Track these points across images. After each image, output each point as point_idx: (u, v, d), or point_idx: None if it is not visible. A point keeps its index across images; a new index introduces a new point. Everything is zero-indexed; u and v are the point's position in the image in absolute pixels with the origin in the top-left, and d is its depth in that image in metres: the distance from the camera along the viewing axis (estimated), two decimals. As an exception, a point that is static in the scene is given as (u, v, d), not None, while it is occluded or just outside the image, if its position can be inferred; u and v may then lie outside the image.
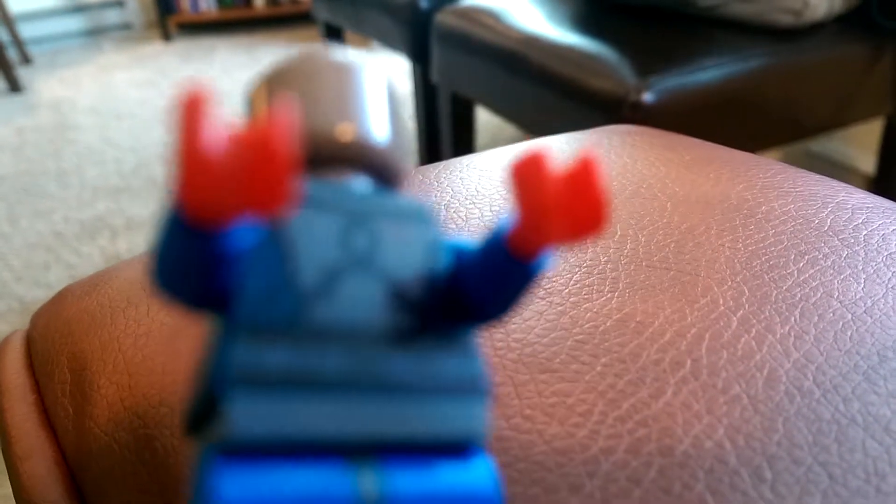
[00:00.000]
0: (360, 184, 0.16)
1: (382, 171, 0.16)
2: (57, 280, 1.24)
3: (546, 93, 0.83)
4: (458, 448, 0.15)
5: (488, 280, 0.15)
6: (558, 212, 0.13)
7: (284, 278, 0.14)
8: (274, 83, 0.16)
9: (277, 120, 0.11)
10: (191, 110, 0.11)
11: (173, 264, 0.13)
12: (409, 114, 1.60)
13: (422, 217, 0.16)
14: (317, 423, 0.14)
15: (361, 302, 0.14)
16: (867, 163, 1.24)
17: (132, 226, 1.40)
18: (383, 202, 0.15)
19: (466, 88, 0.99)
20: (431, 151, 1.28)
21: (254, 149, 0.11)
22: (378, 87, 0.16)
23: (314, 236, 0.14)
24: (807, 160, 1.34)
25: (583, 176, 0.13)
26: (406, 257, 0.15)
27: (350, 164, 0.15)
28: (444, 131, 1.14)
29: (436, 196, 0.36)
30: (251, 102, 0.16)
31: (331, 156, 0.15)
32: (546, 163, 0.13)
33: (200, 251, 0.13)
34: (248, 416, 0.13)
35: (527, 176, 0.13)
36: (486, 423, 0.15)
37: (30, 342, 0.33)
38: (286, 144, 0.11)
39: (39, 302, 1.19)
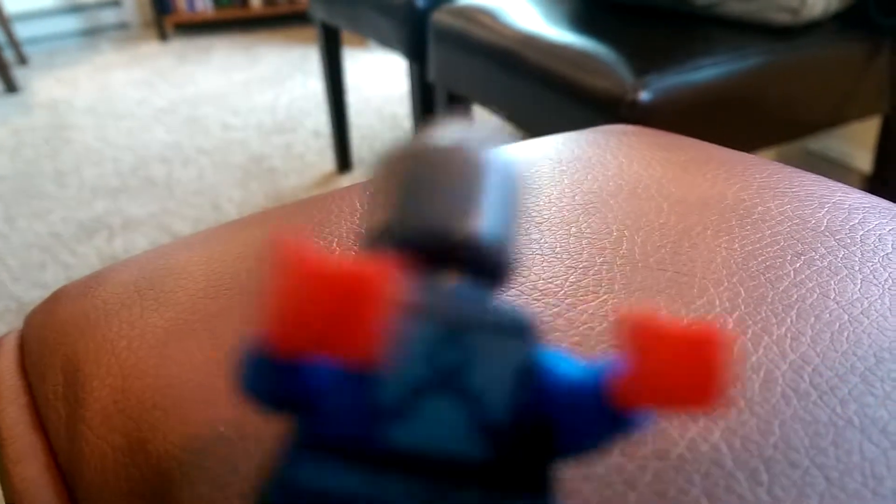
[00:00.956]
0: (465, 289, 0.15)
1: (492, 270, 0.15)
2: (54, 280, 1.24)
3: (543, 92, 0.83)
4: None
5: (578, 418, 0.14)
6: (668, 378, 0.12)
7: (366, 394, 0.13)
8: (398, 168, 0.15)
9: (377, 268, 0.11)
10: (291, 253, 0.11)
11: (257, 387, 0.13)
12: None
13: (525, 331, 0.14)
14: None
15: (441, 425, 0.14)
16: (864, 161, 1.24)
17: (129, 226, 1.40)
18: (488, 313, 0.14)
19: (463, 87, 0.99)
20: (429, 151, 1.27)
21: (348, 293, 0.11)
22: (502, 179, 0.15)
23: (405, 346, 0.14)
24: (804, 158, 1.34)
25: (704, 350, 0.12)
26: (495, 378, 0.14)
27: (461, 264, 0.15)
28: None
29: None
30: (376, 180, 0.15)
31: (443, 254, 0.14)
32: (666, 328, 0.12)
33: (282, 381, 0.13)
34: None
35: (645, 336, 0.12)
36: None
37: (23, 343, 0.33)
38: (382, 294, 0.11)
39: (36, 302, 1.19)
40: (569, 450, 0.14)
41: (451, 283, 0.14)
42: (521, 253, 0.13)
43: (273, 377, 0.13)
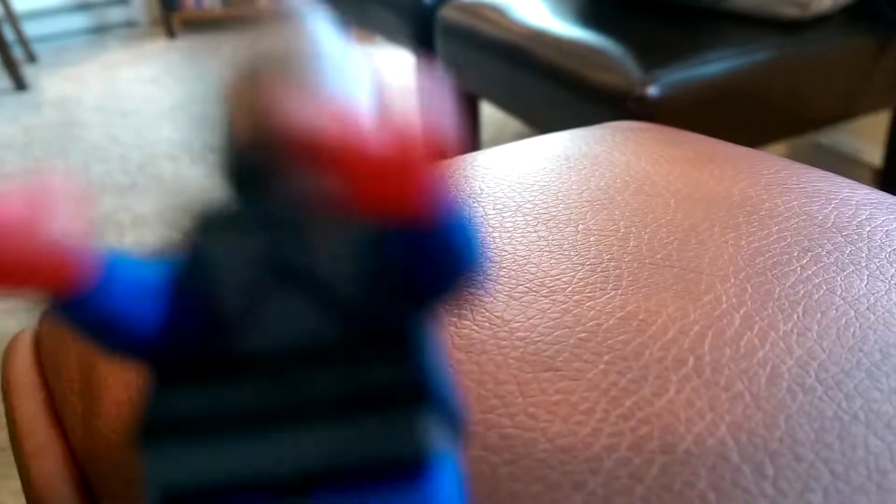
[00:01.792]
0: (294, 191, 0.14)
1: None
2: (64, 277, 1.25)
3: (551, 87, 0.83)
4: (408, 468, 0.13)
5: (413, 258, 0.13)
6: (380, 168, 0.12)
7: (206, 313, 0.13)
8: (261, 75, 0.15)
9: (45, 188, 0.11)
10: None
11: (76, 328, 0.13)
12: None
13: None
14: (240, 465, 0.13)
15: (287, 320, 0.14)
16: (874, 155, 1.24)
17: (139, 222, 1.41)
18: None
19: (471, 83, 0.99)
20: (436, 147, 1.27)
21: (22, 221, 0.11)
22: (338, 60, 0.15)
23: (237, 258, 0.14)
24: (814, 153, 1.33)
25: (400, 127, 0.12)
26: (338, 255, 0.14)
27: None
28: (449, 126, 1.14)
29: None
30: (231, 99, 0.15)
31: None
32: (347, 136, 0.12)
33: (79, 319, 0.13)
34: (164, 468, 0.13)
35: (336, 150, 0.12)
36: (439, 436, 0.13)
37: (39, 340, 0.33)
38: (61, 211, 0.11)
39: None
40: (434, 289, 0.14)
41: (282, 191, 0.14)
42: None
43: (79, 319, 0.13)
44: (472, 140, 1.15)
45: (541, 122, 0.87)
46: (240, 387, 0.13)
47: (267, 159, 0.14)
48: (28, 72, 2.40)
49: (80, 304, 0.13)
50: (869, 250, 0.29)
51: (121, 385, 0.27)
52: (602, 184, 0.35)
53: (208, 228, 0.14)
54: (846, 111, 0.90)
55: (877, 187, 1.06)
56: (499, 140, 1.67)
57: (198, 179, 1.56)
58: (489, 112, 1.81)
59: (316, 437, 0.13)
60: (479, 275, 0.13)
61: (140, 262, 0.14)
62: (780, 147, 1.39)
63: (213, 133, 0.15)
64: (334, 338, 0.14)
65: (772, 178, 0.35)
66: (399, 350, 0.14)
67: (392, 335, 0.14)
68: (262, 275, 0.14)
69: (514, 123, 1.76)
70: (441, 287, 0.14)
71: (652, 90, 0.73)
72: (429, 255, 0.13)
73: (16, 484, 0.88)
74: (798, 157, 1.36)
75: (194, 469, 0.13)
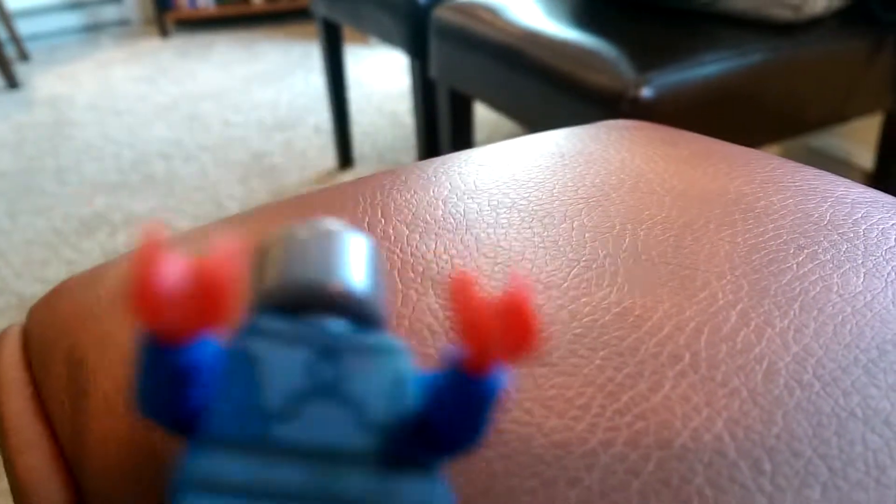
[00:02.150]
0: (337, 324, 0.17)
1: (362, 317, 0.17)
2: (56, 276, 1.24)
3: (544, 88, 0.83)
4: None
5: (448, 403, 0.15)
6: (490, 331, 0.14)
7: (251, 399, 0.15)
8: (280, 240, 0.18)
9: (221, 254, 0.13)
10: (148, 247, 0.13)
11: (147, 382, 0.15)
12: (406, 119, 1.61)
13: (389, 350, 0.16)
14: None
15: (325, 423, 0.15)
16: (866, 158, 1.24)
17: (131, 221, 1.40)
18: (353, 338, 0.16)
19: (465, 84, 0.99)
20: (430, 147, 1.27)
21: (203, 275, 0.13)
22: (361, 252, 0.18)
23: (283, 365, 0.16)
24: (806, 156, 1.34)
25: (515, 303, 0.14)
26: (371, 388, 0.16)
27: (335, 311, 0.17)
28: (443, 127, 1.14)
29: (433, 191, 0.35)
30: (263, 253, 0.18)
31: (319, 303, 0.17)
32: (473, 285, 0.15)
33: (166, 365, 0.14)
34: None
35: (459, 296, 0.15)
36: None
37: (26, 336, 0.33)
38: (227, 273, 0.13)
39: (38, 298, 1.19)
40: (452, 439, 0.16)
41: (327, 322, 0.17)
42: (387, 307, 0.17)
43: (158, 364, 0.15)
44: (465, 141, 1.15)
45: (534, 122, 0.87)
46: (277, 466, 0.15)
47: (292, 302, 0.17)
48: (20, 70, 2.39)
49: (182, 353, 0.14)
50: (865, 248, 0.29)
51: (109, 380, 0.26)
52: (597, 181, 0.35)
53: (256, 333, 0.16)
54: (839, 114, 0.90)
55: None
56: (492, 141, 1.67)
57: (190, 178, 1.55)
58: (483, 113, 1.82)
59: None
60: (485, 437, 0.16)
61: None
62: (773, 150, 1.39)
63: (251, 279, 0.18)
64: (366, 447, 0.15)
65: (767, 175, 0.35)
66: (424, 473, 0.16)
67: (417, 461, 0.16)
68: (304, 384, 0.16)
69: (507, 124, 1.76)
70: (457, 438, 0.16)
71: (645, 92, 0.73)
72: (466, 403, 0.15)
73: (3, 484, 0.87)
74: (790, 159, 1.37)
75: None
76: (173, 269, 0.13)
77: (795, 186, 0.34)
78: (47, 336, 0.31)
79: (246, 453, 0.15)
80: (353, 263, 0.18)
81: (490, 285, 0.27)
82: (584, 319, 0.25)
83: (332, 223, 0.18)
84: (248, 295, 0.18)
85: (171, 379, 0.15)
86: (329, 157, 1.63)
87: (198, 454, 0.15)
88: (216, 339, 0.16)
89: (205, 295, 0.13)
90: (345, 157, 1.56)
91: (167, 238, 0.13)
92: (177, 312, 0.13)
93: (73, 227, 1.40)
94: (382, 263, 0.19)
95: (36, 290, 1.21)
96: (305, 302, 0.17)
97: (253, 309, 0.17)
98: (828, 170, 1.31)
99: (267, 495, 0.15)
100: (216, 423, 0.15)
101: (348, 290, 0.17)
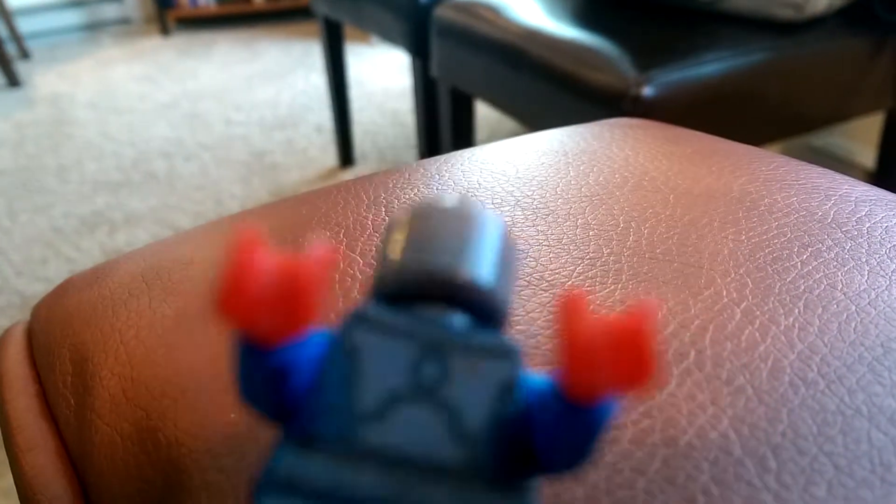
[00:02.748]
0: (456, 319, 0.16)
1: (486, 311, 0.16)
2: (56, 274, 1.24)
3: (546, 87, 0.83)
4: None
5: (550, 426, 0.14)
6: (601, 360, 0.13)
7: (344, 396, 0.15)
8: (407, 219, 0.17)
9: (311, 256, 0.13)
10: (244, 245, 0.13)
11: (245, 379, 0.15)
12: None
13: (503, 354, 0.15)
14: None
15: (416, 430, 0.15)
16: (867, 157, 1.24)
17: (131, 220, 1.40)
18: (468, 337, 0.15)
19: (466, 83, 0.99)
20: (431, 146, 1.27)
21: (285, 279, 0.13)
22: (493, 236, 0.17)
23: (384, 360, 0.15)
24: (807, 155, 1.34)
25: (632, 329, 0.13)
26: (474, 393, 0.15)
27: (457, 303, 0.16)
28: (444, 126, 1.14)
29: (437, 189, 0.35)
30: (387, 233, 0.17)
31: (441, 293, 0.16)
32: (585, 306, 0.13)
33: (260, 365, 0.14)
34: None
35: (568, 318, 0.13)
36: None
37: (31, 334, 0.33)
38: (313, 278, 0.13)
39: (39, 296, 1.19)
40: (551, 461, 0.15)
41: (444, 315, 0.16)
42: (514, 303, 0.15)
43: (251, 365, 0.14)
44: (466, 140, 1.15)
45: (536, 121, 0.87)
46: (358, 471, 0.14)
47: (412, 290, 0.16)
48: (21, 68, 2.38)
49: (274, 356, 0.14)
50: (869, 246, 0.29)
51: (114, 378, 0.26)
52: (601, 179, 0.35)
53: (363, 322, 0.15)
54: (840, 113, 0.90)
55: (870, 189, 1.06)
56: (494, 139, 1.67)
57: (191, 177, 1.55)
58: (484, 111, 1.82)
59: None
60: (589, 463, 0.15)
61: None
62: (774, 148, 1.39)
63: (377, 252, 0.16)
64: (454, 461, 0.15)
65: (771, 174, 0.35)
66: (517, 493, 0.15)
67: (509, 479, 0.15)
68: (403, 383, 0.15)
69: (509, 123, 1.76)
70: (559, 462, 0.15)
71: (647, 91, 0.73)
72: (571, 429, 0.14)
73: (5, 482, 0.87)
74: (792, 158, 1.37)
75: None
76: (264, 271, 0.13)
77: (799, 185, 0.34)
78: (51, 334, 0.31)
79: (330, 454, 0.14)
80: (483, 251, 0.16)
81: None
82: (589, 317, 0.25)
83: (466, 202, 0.17)
84: (371, 278, 0.16)
85: (266, 377, 0.14)
86: (330, 156, 1.63)
87: (283, 451, 0.14)
88: (320, 329, 0.15)
89: (293, 298, 0.13)
90: (346, 155, 1.56)
91: (261, 240, 0.13)
92: (266, 315, 0.13)
93: (73, 226, 1.40)
94: (514, 251, 0.17)
95: (36, 288, 1.21)
96: (426, 291, 0.16)
97: (373, 294, 0.16)
98: (830, 169, 1.31)
99: (344, 501, 0.14)
100: (306, 419, 0.15)
101: (474, 282, 0.16)
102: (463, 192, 0.35)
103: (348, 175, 1.54)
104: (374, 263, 0.16)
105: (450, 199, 0.17)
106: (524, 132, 1.67)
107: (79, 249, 1.32)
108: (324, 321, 0.14)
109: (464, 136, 1.14)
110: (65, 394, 0.28)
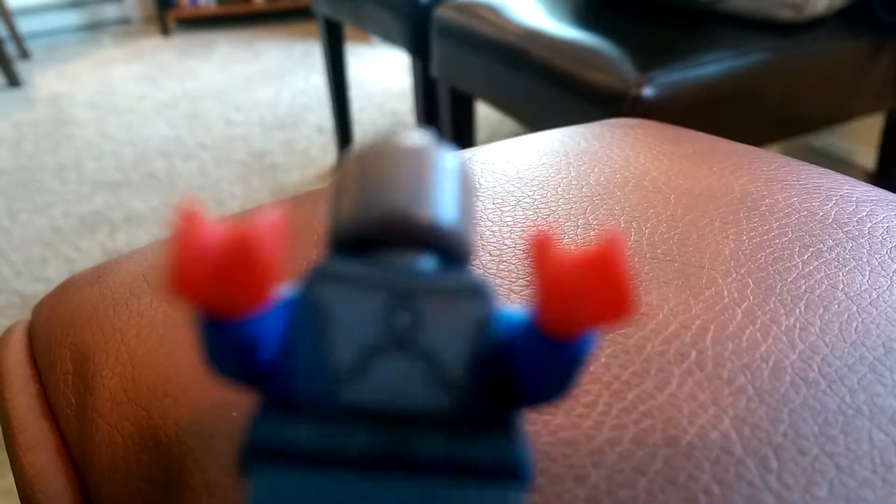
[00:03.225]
0: (423, 262, 0.15)
1: (451, 251, 0.16)
2: (56, 275, 1.24)
3: (546, 88, 0.83)
4: None
5: (531, 362, 0.14)
6: (576, 295, 0.13)
7: (319, 356, 0.14)
8: (356, 161, 0.16)
9: (260, 224, 0.12)
10: (187, 218, 0.12)
11: (210, 352, 0.14)
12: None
13: (473, 293, 0.15)
14: (340, 501, 0.14)
15: (397, 382, 0.14)
16: (867, 158, 1.24)
17: (131, 220, 1.40)
18: (436, 279, 0.15)
19: (466, 83, 0.99)
20: (431, 146, 1.27)
21: (234, 249, 0.12)
22: (451, 172, 0.16)
23: (354, 315, 0.14)
24: (807, 155, 1.34)
25: (603, 260, 0.12)
26: (450, 336, 0.15)
27: (419, 245, 0.15)
28: (444, 126, 1.14)
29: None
30: (337, 177, 0.17)
31: (402, 236, 0.15)
32: (555, 243, 0.13)
33: (223, 339, 0.14)
34: (268, 489, 0.14)
35: (539, 256, 0.13)
36: None
37: (31, 333, 0.33)
38: (264, 246, 0.12)
39: (39, 297, 1.19)
40: (534, 393, 0.15)
41: (409, 260, 0.15)
42: (476, 239, 0.15)
43: (213, 337, 0.14)
44: (466, 140, 1.15)
45: (536, 122, 0.87)
46: (348, 430, 0.14)
47: (370, 236, 0.15)
48: (21, 68, 2.38)
49: (236, 329, 0.13)
50: (870, 246, 0.29)
51: (115, 378, 0.26)
52: (602, 179, 0.35)
53: (327, 278, 0.15)
54: (840, 114, 0.90)
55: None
56: (495, 140, 1.67)
57: (191, 177, 1.55)
58: (484, 112, 1.82)
59: (419, 493, 0.14)
60: (572, 391, 0.15)
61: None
62: (774, 149, 1.39)
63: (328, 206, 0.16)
64: (440, 407, 0.14)
65: (772, 174, 0.35)
66: (501, 430, 0.14)
67: (495, 416, 0.15)
68: (377, 336, 0.14)
69: (509, 124, 1.76)
70: (542, 395, 0.15)
71: (647, 91, 0.73)
72: (553, 364, 0.14)
73: (5, 483, 0.87)
74: (792, 159, 1.37)
75: (295, 496, 0.14)
76: (211, 242, 0.12)
77: (800, 185, 0.34)
78: (52, 333, 0.31)
79: (313, 417, 0.14)
80: (441, 188, 0.15)
81: (497, 284, 0.27)
82: (590, 317, 0.25)
83: (417, 136, 0.16)
84: (325, 229, 0.16)
85: (231, 350, 0.14)
86: (330, 156, 1.63)
87: (265, 419, 0.14)
88: (284, 289, 0.15)
89: (245, 268, 0.12)
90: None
91: (204, 213, 0.13)
92: (219, 288, 0.12)
93: (73, 226, 1.40)
94: (472, 184, 0.17)
95: (36, 289, 1.21)
96: (386, 236, 0.15)
97: (329, 245, 0.16)
98: (830, 169, 1.31)
99: (335, 463, 0.14)
100: (283, 383, 0.14)
101: (436, 222, 0.15)
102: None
103: (348, 175, 1.54)
104: (328, 211, 0.16)
105: (401, 135, 0.16)
106: (525, 132, 1.67)
107: (79, 249, 1.32)
108: (282, 287, 0.13)
109: (464, 137, 1.14)
110: (66, 393, 0.28)
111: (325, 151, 1.66)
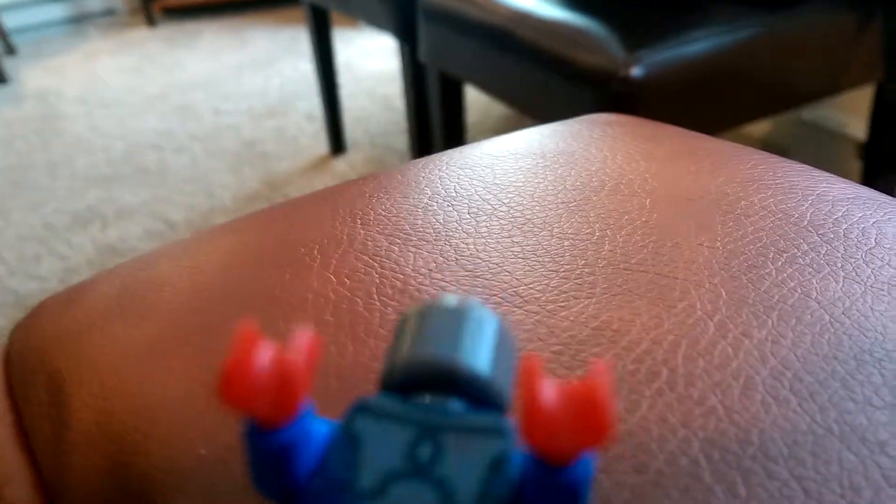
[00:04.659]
0: (455, 404, 0.17)
1: (484, 397, 0.17)
2: (50, 272, 1.24)
3: (535, 70, 0.82)
4: None
5: (537, 488, 0.15)
6: (558, 426, 0.14)
7: (346, 477, 0.16)
8: (412, 320, 0.18)
9: (298, 349, 0.15)
10: (243, 339, 0.15)
11: (255, 462, 0.16)
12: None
13: (494, 432, 0.16)
14: None
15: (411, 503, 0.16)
16: (859, 129, 1.23)
17: (123, 214, 1.40)
18: (462, 418, 0.16)
19: (455, 67, 0.98)
20: (421, 131, 1.27)
21: (277, 370, 0.15)
22: (490, 329, 0.18)
23: (383, 444, 0.16)
24: (799, 128, 1.33)
25: (588, 397, 0.14)
26: (466, 469, 0.16)
27: (457, 390, 0.17)
28: (434, 111, 1.13)
29: (414, 198, 0.35)
30: (396, 332, 0.19)
31: (441, 382, 0.17)
32: (542, 373, 0.15)
33: (264, 446, 0.16)
34: None
35: (527, 385, 0.15)
36: None
37: (8, 360, 0.33)
38: (301, 368, 0.15)
39: (33, 294, 1.19)
40: None
41: (443, 402, 0.17)
42: (512, 388, 0.17)
43: (255, 444, 0.16)
44: (456, 124, 1.14)
45: (525, 104, 0.86)
46: None
47: (417, 378, 0.17)
48: (7, 64, 2.36)
49: (275, 436, 0.16)
50: (845, 249, 0.28)
51: (87, 410, 0.26)
52: (578, 183, 0.35)
53: (367, 411, 0.17)
54: (831, 86, 0.89)
55: (862, 161, 1.06)
56: (483, 124, 1.66)
57: (182, 169, 1.54)
58: (473, 95, 1.80)
59: None
60: None
61: (315, 417, 0.17)
62: (765, 124, 1.39)
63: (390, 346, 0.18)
64: None
65: (748, 173, 0.34)
66: None
67: None
68: (400, 462, 0.16)
69: (498, 107, 1.74)
70: None
71: (636, 70, 0.72)
72: (555, 489, 0.15)
73: None
74: (783, 133, 1.36)
75: None
76: (259, 364, 0.15)
77: (776, 185, 0.33)
78: (27, 361, 0.31)
79: None
80: (479, 342, 0.18)
81: (470, 296, 0.27)
82: (563, 336, 0.25)
83: (465, 301, 0.19)
84: (380, 372, 0.19)
85: (271, 456, 0.16)
86: (321, 144, 1.62)
87: None
88: (324, 418, 0.17)
89: (284, 385, 0.15)
90: (337, 143, 1.55)
91: (257, 336, 0.15)
92: (261, 401, 0.15)
93: (65, 222, 1.39)
94: (513, 343, 0.19)
95: (30, 287, 1.21)
96: (428, 380, 0.17)
97: (380, 385, 0.18)
98: (821, 141, 1.30)
99: None
100: (310, 499, 0.16)
101: (470, 369, 0.17)
102: (440, 201, 0.35)
103: (340, 163, 1.54)
104: (387, 354, 0.18)
105: (450, 298, 0.19)
106: (514, 116, 1.66)
107: (72, 246, 1.31)
108: (307, 404, 0.16)
109: (454, 120, 1.14)
110: (41, 424, 0.28)
111: (315, 139, 1.65)
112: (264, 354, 0.15)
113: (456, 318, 0.18)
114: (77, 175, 1.58)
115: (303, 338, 0.16)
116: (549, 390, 0.15)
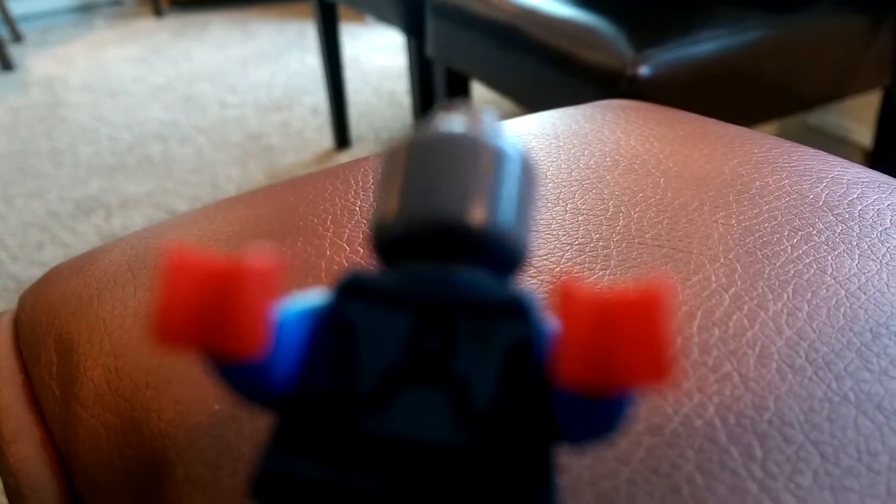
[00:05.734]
0: (465, 275, 0.14)
1: (503, 259, 0.14)
2: (52, 259, 1.24)
3: (542, 67, 0.82)
4: None
5: (567, 407, 0.13)
6: (604, 355, 0.11)
7: (339, 381, 0.13)
8: (404, 151, 0.14)
9: (245, 270, 0.12)
10: (174, 263, 0.12)
11: (227, 385, 0.13)
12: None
13: (512, 312, 0.13)
14: None
15: (419, 414, 0.13)
16: (864, 135, 1.23)
17: (127, 204, 1.40)
18: (472, 296, 0.13)
19: (462, 63, 0.98)
20: (427, 127, 1.26)
21: (217, 284, 0.12)
22: (511, 163, 0.14)
23: (380, 336, 0.13)
24: (804, 133, 1.33)
25: (640, 315, 0.11)
26: (482, 365, 0.13)
27: (470, 251, 0.14)
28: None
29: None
30: (382, 171, 0.15)
31: (452, 242, 0.13)
32: (582, 290, 0.11)
33: (231, 379, 0.13)
34: None
35: (564, 305, 0.12)
36: None
37: (17, 324, 0.33)
38: (250, 283, 0.12)
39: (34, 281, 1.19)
40: (572, 436, 0.13)
41: (449, 272, 0.14)
42: (534, 244, 0.12)
43: (231, 381, 0.13)
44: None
45: (532, 102, 0.86)
46: (361, 466, 0.13)
47: (412, 238, 0.14)
48: (14, 52, 2.36)
49: (243, 371, 0.13)
50: (860, 229, 0.28)
51: (98, 369, 0.26)
52: (591, 163, 0.35)
53: (357, 291, 0.14)
54: (837, 91, 0.89)
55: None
56: (490, 121, 1.66)
57: (186, 160, 1.54)
58: (480, 92, 1.80)
59: None
60: (617, 435, 0.13)
61: (295, 310, 0.14)
62: (770, 127, 1.39)
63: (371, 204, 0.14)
64: (463, 445, 0.13)
65: (763, 156, 0.34)
66: (533, 472, 0.13)
67: (528, 455, 0.13)
68: (403, 361, 0.13)
69: (505, 104, 1.74)
70: (582, 438, 0.13)
71: (643, 70, 0.72)
72: (589, 414, 0.13)
73: None
74: (788, 137, 1.36)
75: None
76: (195, 281, 0.12)
77: (791, 167, 0.33)
78: (38, 323, 0.31)
79: (326, 450, 0.13)
80: (499, 183, 0.14)
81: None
82: (576, 304, 0.25)
83: (473, 119, 0.14)
84: (367, 226, 0.14)
85: (243, 387, 0.13)
86: (326, 138, 1.62)
87: (276, 449, 0.13)
88: (310, 300, 0.14)
89: (227, 317, 0.12)
90: (342, 137, 1.55)
91: (194, 252, 0.12)
92: (204, 328, 0.12)
93: (68, 210, 1.39)
94: (534, 174, 0.14)
95: (32, 273, 1.21)
96: (432, 242, 0.13)
97: (371, 246, 0.14)
98: (826, 147, 1.30)
99: (348, 498, 0.13)
100: (299, 409, 0.13)
101: (491, 226, 0.13)
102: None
103: (344, 157, 1.54)
104: (370, 210, 0.15)
105: (455, 119, 0.14)
106: (520, 113, 1.66)
107: (75, 234, 1.31)
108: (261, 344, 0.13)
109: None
110: (50, 384, 0.28)
111: (320, 133, 1.65)
112: (200, 271, 0.12)
113: (467, 150, 0.14)
114: (81, 163, 1.58)
115: (254, 257, 0.12)
116: (591, 310, 0.11)
